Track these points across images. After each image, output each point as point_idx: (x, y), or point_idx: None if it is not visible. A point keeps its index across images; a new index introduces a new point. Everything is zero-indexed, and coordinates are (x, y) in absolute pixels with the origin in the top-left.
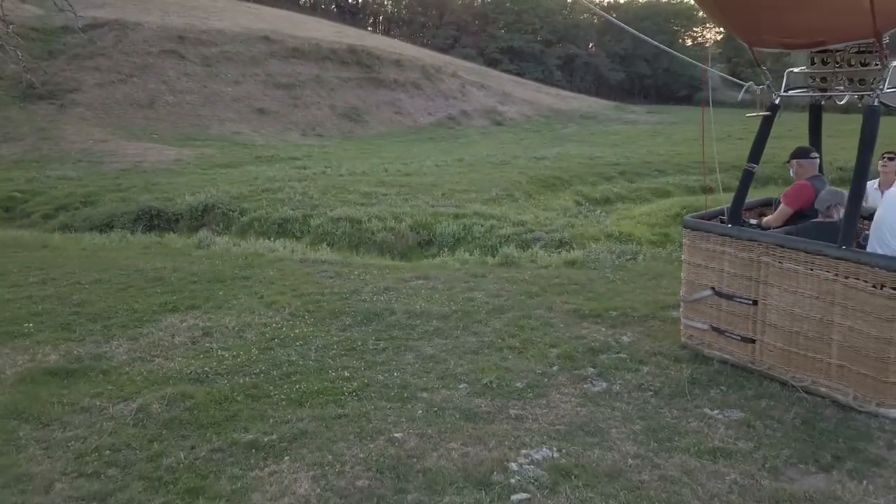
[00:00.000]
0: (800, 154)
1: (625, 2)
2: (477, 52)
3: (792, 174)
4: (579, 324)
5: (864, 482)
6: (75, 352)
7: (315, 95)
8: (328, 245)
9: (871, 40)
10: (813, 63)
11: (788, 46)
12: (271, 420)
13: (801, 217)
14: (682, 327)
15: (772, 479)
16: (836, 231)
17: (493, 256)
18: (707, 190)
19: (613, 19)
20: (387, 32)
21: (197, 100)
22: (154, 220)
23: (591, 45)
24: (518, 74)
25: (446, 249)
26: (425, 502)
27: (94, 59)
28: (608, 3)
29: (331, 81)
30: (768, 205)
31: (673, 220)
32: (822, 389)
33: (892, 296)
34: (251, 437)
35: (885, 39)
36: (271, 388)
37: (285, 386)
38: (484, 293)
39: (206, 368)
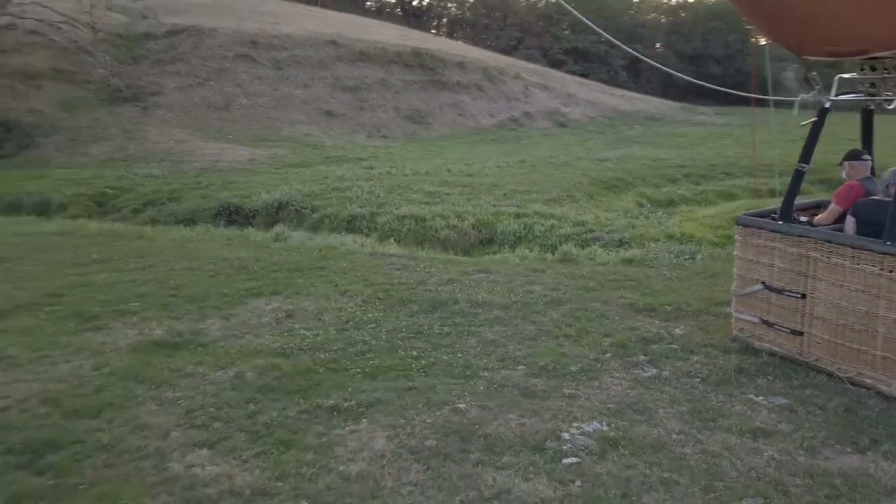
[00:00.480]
0: (852, 156)
1: (693, 1)
2: (540, 54)
3: (844, 175)
4: (634, 317)
5: None
6: (176, 328)
7: (380, 98)
8: (394, 242)
9: None
10: (862, 69)
11: (834, 55)
12: (349, 389)
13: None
14: (733, 320)
15: (808, 456)
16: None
17: (553, 253)
18: (755, 193)
19: (590, 23)
20: (450, 35)
21: (269, 102)
22: (233, 216)
23: (658, 45)
24: (582, 75)
25: (507, 247)
26: (486, 461)
27: (175, 63)
28: (676, 2)
29: (395, 84)
30: (820, 206)
31: None
32: (867, 381)
33: None
34: (332, 402)
35: None
36: (348, 363)
37: (360, 362)
38: (542, 286)
39: (290, 345)
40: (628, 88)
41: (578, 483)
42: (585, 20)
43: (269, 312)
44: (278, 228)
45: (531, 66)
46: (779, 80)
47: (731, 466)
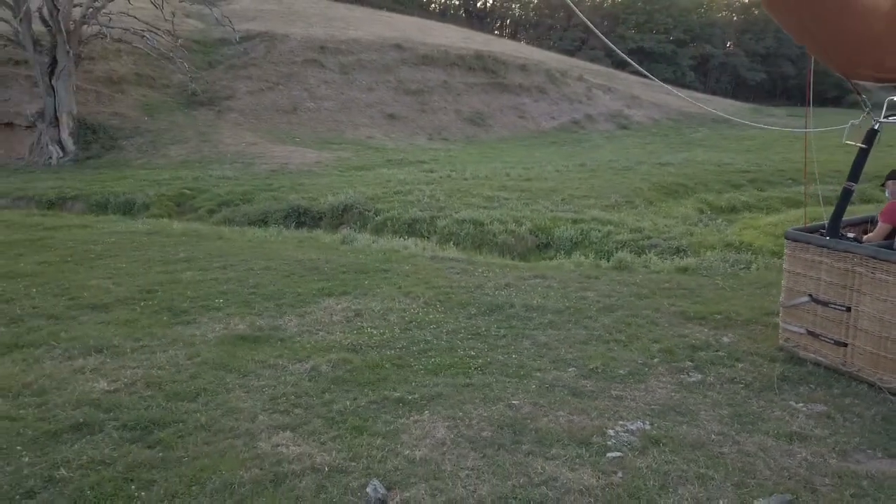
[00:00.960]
0: (894, 175)
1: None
2: (605, 54)
3: (887, 195)
4: (684, 324)
5: None
6: (257, 323)
7: (442, 101)
8: (453, 245)
9: None
10: None
11: (882, 80)
12: (413, 383)
13: None
14: (780, 330)
15: (839, 459)
16: None
17: (608, 260)
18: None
19: (583, 16)
20: (513, 36)
21: (334, 106)
22: (301, 217)
23: (728, 43)
24: (645, 76)
25: (563, 252)
26: (536, 451)
27: (247, 68)
28: (747, 1)
29: (457, 87)
30: (868, 222)
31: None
32: None
33: None
34: (398, 394)
35: None
36: (412, 360)
37: (423, 359)
38: (596, 293)
39: (359, 342)
40: (696, 89)
41: (620, 474)
42: (585, 19)
43: (339, 311)
44: (345, 231)
45: (595, 66)
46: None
47: (765, 465)
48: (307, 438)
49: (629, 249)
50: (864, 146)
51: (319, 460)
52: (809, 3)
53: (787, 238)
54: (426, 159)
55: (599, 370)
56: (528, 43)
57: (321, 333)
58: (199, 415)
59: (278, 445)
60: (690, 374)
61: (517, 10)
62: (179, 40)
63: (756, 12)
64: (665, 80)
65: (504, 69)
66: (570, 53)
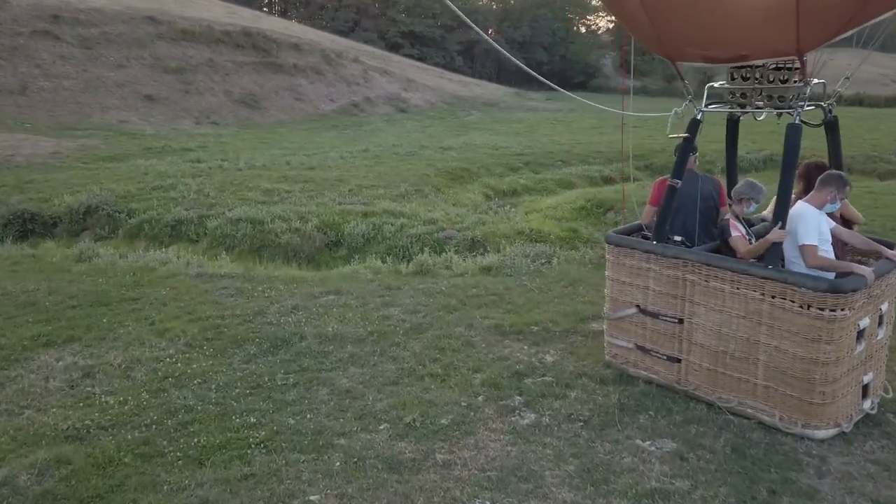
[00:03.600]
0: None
1: None
2: (378, 36)
3: None
4: (501, 342)
5: None
6: None
7: (208, 81)
8: (227, 250)
9: (792, 58)
10: (733, 79)
11: (710, 60)
12: (165, 487)
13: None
14: (605, 345)
15: None
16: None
17: (407, 264)
18: (611, 181)
19: (466, 19)
20: (283, 14)
21: (76, 85)
22: (28, 225)
23: (490, 30)
24: (420, 60)
25: (355, 251)
26: None
27: None
28: None
29: (225, 66)
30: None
31: (578, 213)
32: (749, 411)
33: (818, 316)
34: None
35: (807, 58)
36: (165, 442)
37: (181, 439)
38: (400, 309)
39: (86, 421)
40: (464, 73)
41: None
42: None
43: (60, 371)
44: (83, 244)
45: (370, 48)
46: (597, 66)
47: None
48: None
49: (427, 247)
50: (687, 136)
51: None
52: None
53: (608, 242)
54: (193, 146)
55: (418, 423)
56: (299, 22)
57: (27, 413)
58: None
59: None
60: (522, 413)
61: None
62: None
63: (513, 2)
64: (436, 65)
65: (276, 48)
66: (344, 34)
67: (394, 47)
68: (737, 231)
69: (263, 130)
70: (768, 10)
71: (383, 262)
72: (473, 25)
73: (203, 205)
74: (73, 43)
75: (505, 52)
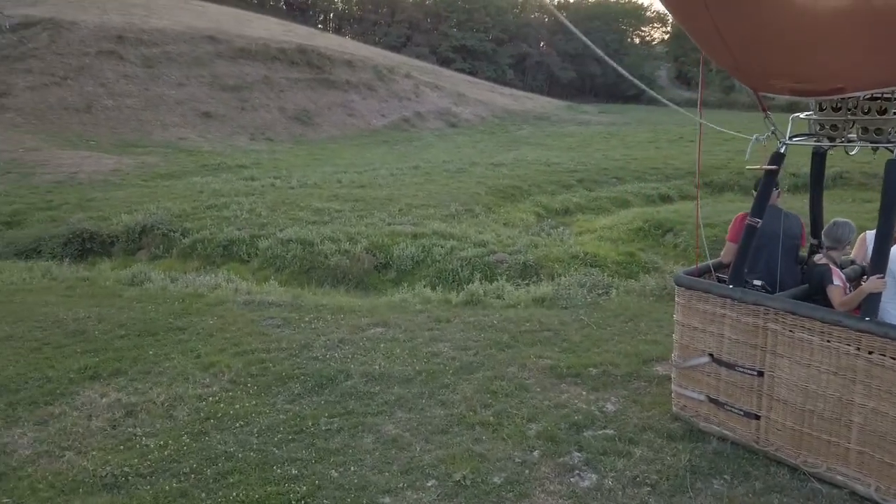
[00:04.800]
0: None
1: (574, 1)
2: (430, 51)
3: None
4: (557, 386)
5: None
6: None
7: (264, 97)
8: (277, 271)
9: (892, 88)
10: (822, 109)
11: (800, 93)
12: None
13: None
14: (673, 395)
15: None
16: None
17: (458, 293)
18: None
19: (565, 20)
20: (338, 31)
21: (138, 103)
22: (87, 244)
23: (542, 43)
24: (471, 73)
25: (405, 275)
26: None
27: (26, 60)
28: (558, 2)
29: (280, 83)
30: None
31: (636, 235)
32: (839, 478)
33: None
34: None
35: None
36: (203, 495)
37: (220, 492)
38: (449, 345)
39: (125, 468)
40: (516, 87)
41: None
42: (565, 20)
43: (103, 409)
44: (136, 267)
45: (421, 63)
46: (652, 77)
47: None
48: None
49: (476, 269)
50: (771, 168)
51: None
52: (727, 5)
53: (678, 284)
54: (247, 163)
55: (468, 481)
56: (352, 38)
57: (67, 456)
58: None
59: None
60: (582, 474)
61: (340, 4)
62: None
63: (565, 14)
64: (487, 79)
65: (330, 65)
66: (397, 50)
67: (445, 62)
68: (839, 280)
69: (316, 146)
70: (874, 37)
71: (433, 289)
72: (572, 26)
73: (255, 224)
74: (136, 62)
75: (614, 64)
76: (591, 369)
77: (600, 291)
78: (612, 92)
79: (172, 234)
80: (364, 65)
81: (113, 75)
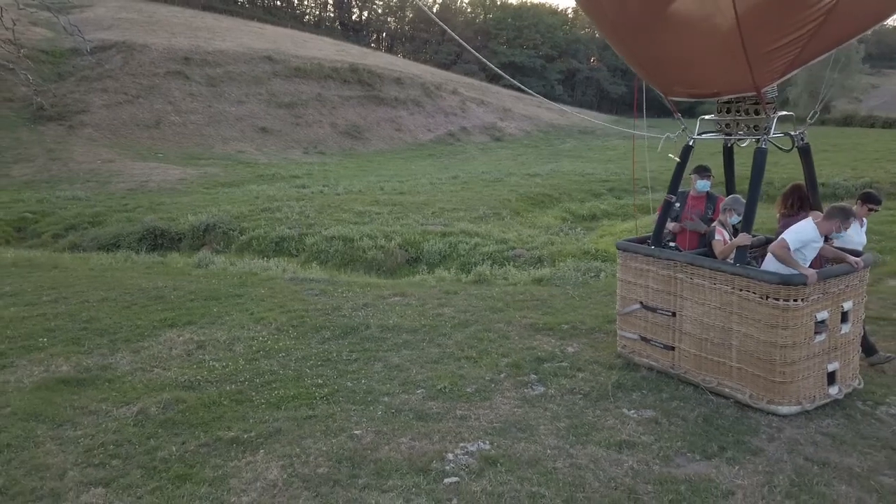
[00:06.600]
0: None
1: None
2: (479, 68)
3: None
4: (533, 336)
5: (737, 467)
6: (84, 363)
7: (317, 114)
8: (320, 263)
9: (754, 93)
10: (720, 111)
11: (694, 96)
12: (251, 420)
13: None
14: (618, 338)
15: (662, 465)
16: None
17: (469, 274)
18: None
19: (437, 18)
20: (389, 49)
21: (201, 119)
22: (158, 240)
23: (592, 59)
24: (519, 90)
25: (431, 267)
26: (373, 485)
27: (102, 80)
28: None
29: (332, 100)
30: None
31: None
32: (726, 390)
33: (775, 305)
34: (233, 434)
35: (769, 92)
36: (254, 393)
37: (265, 392)
38: (453, 309)
39: (198, 377)
40: (564, 102)
41: (455, 501)
42: (448, 28)
43: (180, 344)
44: (201, 254)
45: (469, 80)
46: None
47: (594, 477)
48: (122, 494)
49: (491, 262)
50: (679, 160)
51: None
52: (633, 31)
53: (618, 248)
54: (300, 174)
55: (447, 390)
56: (404, 56)
57: (156, 370)
58: None
59: None
60: (534, 387)
61: (393, 24)
62: (23, 50)
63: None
64: (536, 94)
65: (380, 82)
66: (446, 67)
67: (494, 78)
68: (720, 236)
69: (364, 159)
70: (729, 56)
71: (449, 272)
72: (445, 26)
73: (303, 224)
74: (201, 82)
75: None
76: (563, 325)
77: (592, 274)
78: (664, 105)
79: (231, 232)
80: (413, 82)
81: (179, 94)
